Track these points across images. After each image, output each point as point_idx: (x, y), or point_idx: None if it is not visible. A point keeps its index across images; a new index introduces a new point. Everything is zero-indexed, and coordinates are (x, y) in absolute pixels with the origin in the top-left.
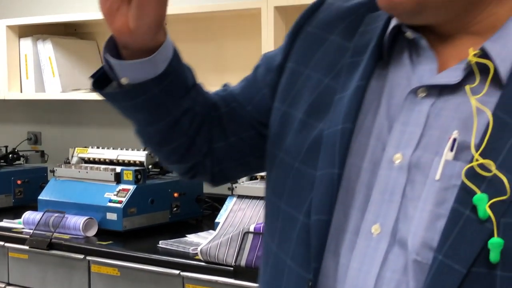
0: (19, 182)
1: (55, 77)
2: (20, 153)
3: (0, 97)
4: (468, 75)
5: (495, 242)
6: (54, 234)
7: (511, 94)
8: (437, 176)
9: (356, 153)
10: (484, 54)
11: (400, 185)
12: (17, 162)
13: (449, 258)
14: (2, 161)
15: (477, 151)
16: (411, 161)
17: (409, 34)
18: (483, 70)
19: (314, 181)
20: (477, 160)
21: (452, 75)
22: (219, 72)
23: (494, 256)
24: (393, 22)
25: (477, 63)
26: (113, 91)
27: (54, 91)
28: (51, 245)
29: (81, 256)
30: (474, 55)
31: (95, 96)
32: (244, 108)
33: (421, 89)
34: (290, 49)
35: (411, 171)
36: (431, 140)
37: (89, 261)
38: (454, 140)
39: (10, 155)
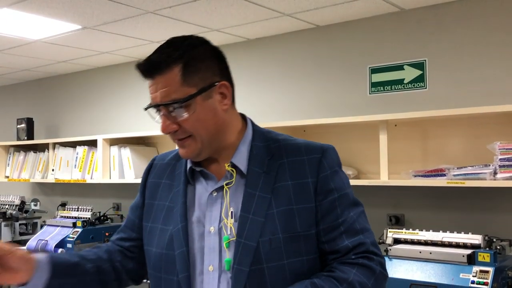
0: (107, 234)
1: (131, 169)
2: (108, 216)
3: (98, 182)
4: (232, 176)
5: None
6: None
7: (250, 179)
8: (229, 232)
9: (191, 233)
10: (233, 164)
11: (217, 242)
12: (106, 221)
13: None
14: (97, 221)
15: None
16: (219, 229)
17: (197, 169)
18: (237, 171)
19: (175, 257)
20: (237, 219)
21: (223, 181)
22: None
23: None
24: (189, 164)
25: (232, 170)
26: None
27: (130, 178)
28: None
29: None
30: (228, 165)
31: None
32: (132, 237)
33: (213, 191)
34: (144, 193)
35: (219, 233)
36: (224, 215)
37: None
38: (232, 212)
39: (102, 217)
